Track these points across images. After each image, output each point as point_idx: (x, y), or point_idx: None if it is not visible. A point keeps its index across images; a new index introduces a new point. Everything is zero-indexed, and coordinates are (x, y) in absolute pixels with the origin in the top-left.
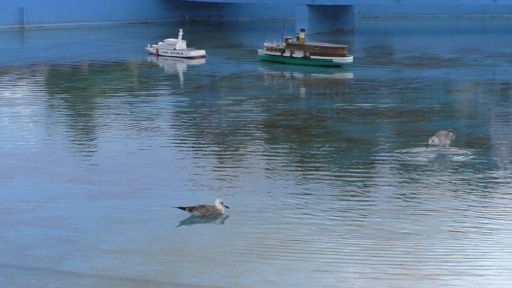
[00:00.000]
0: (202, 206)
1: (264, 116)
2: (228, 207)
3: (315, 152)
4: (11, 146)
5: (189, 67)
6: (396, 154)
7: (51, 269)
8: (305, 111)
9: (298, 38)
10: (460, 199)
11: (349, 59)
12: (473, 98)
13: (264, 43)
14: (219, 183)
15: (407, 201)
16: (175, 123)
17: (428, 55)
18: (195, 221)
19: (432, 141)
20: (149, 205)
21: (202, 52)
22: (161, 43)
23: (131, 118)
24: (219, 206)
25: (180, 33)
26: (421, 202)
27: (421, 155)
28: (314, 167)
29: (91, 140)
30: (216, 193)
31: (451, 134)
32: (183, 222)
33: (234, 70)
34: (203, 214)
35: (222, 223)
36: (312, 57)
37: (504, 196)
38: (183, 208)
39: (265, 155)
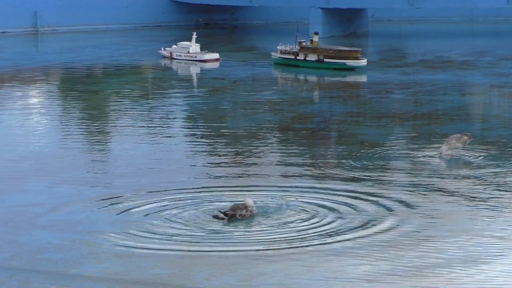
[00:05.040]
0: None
1: (278, 119)
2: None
3: (329, 155)
4: (25, 149)
5: (203, 70)
6: (410, 157)
7: (65, 273)
8: (319, 114)
9: (311, 41)
10: (474, 201)
11: (363, 62)
12: (487, 101)
13: (278, 46)
14: (234, 185)
15: (421, 203)
16: (189, 126)
17: (442, 58)
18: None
19: (440, 152)
20: (162, 209)
21: (215, 55)
22: (175, 46)
23: (144, 121)
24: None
25: (194, 37)
26: (435, 205)
27: (435, 158)
28: (328, 170)
29: (105, 143)
30: (231, 196)
31: (465, 137)
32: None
33: (248, 73)
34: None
35: (235, 226)
36: (325, 60)
37: None
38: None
39: (279, 158)
